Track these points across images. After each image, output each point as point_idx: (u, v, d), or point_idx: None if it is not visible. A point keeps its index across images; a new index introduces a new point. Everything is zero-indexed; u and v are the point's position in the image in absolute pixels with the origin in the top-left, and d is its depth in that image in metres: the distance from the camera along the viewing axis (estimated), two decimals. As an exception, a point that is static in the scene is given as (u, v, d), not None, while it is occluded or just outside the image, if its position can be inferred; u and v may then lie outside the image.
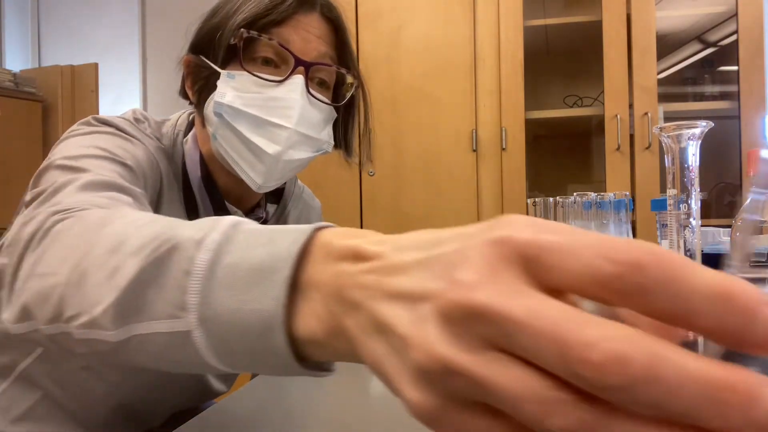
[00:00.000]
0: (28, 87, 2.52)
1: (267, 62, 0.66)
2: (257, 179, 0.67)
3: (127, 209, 0.40)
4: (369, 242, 0.25)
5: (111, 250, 0.33)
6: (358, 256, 0.25)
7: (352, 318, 0.24)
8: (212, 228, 0.30)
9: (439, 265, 0.21)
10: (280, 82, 0.65)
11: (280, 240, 0.28)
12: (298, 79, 0.65)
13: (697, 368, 0.16)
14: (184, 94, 0.73)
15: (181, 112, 0.74)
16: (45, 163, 0.56)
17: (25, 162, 2.41)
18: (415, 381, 0.21)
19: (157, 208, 0.67)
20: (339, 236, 0.27)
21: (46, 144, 2.53)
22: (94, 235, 0.36)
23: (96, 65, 2.64)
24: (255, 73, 0.65)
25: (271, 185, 0.69)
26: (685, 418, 0.16)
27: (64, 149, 0.57)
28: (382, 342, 0.22)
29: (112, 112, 0.69)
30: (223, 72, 0.66)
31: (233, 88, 0.65)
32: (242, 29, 0.64)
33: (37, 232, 0.41)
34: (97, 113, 0.66)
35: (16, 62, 2.91)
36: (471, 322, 0.19)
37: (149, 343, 0.30)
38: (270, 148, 0.65)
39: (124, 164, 0.58)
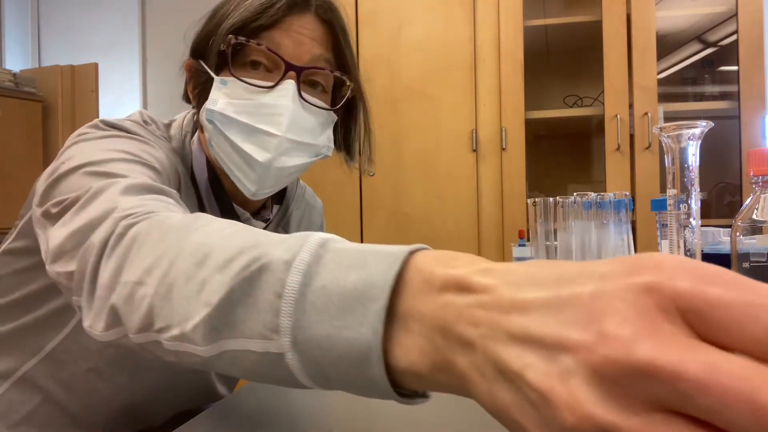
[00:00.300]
0: (28, 87, 2.52)
1: (258, 66, 0.65)
2: (250, 187, 0.66)
3: (205, 216, 0.40)
4: (474, 272, 0.24)
5: (197, 263, 0.33)
6: (463, 287, 0.23)
7: (465, 357, 0.23)
8: (300, 247, 0.29)
9: (575, 310, 0.19)
10: (271, 88, 0.63)
11: (372, 263, 0.27)
12: (289, 85, 0.63)
13: None
14: (187, 99, 0.72)
15: (186, 112, 0.74)
16: (61, 168, 0.54)
17: (25, 162, 2.41)
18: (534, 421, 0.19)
19: None
20: (437, 263, 0.26)
21: (46, 144, 2.53)
22: (177, 243, 0.36)
23: (96, 65, 2.64)
24: (244, 79, 0.63)
25: (266, 192, 0.68)
26: None
27: (79, 154, 0.55)
28: (510, 390, 0.20)
29: (112, 112, 0.69)
30: (216, 78, 0.65)
31: (225, 95, 0.64)
32: (230, 35, 0.62)
33: (109, 239, 0.41)
34: (97, 113, 0.65)
35: (16, 62, 2.91)
36: (632, 381, 0.17)
37: (241, 359, 0.30)
38: (260, 155, 0.63)
39: (152, 167, 0.57)
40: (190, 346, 0.32)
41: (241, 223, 0.37)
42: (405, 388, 0.27)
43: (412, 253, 0.27)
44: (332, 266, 0.28)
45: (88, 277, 0.41)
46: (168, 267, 0.35)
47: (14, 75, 2.50)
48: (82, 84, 2.63)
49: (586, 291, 0.19)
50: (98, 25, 2.89)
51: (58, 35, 2.95)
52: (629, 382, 0.17)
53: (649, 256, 0.19)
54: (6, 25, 2.93)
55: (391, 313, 0.26)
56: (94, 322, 0.40)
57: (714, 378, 0.16)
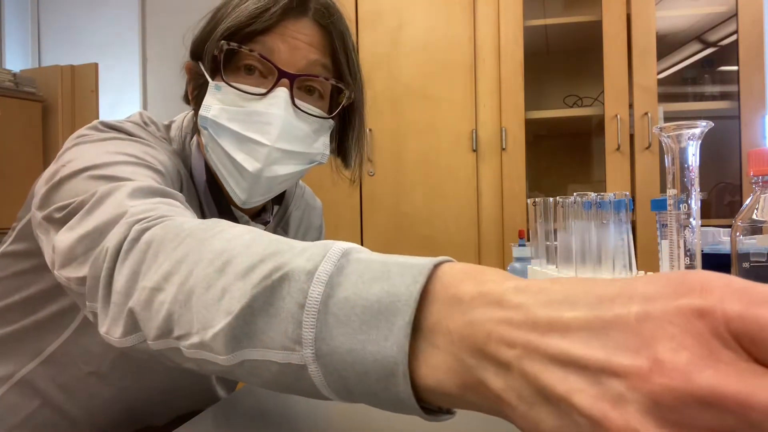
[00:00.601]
0: (28, 87, 2.52)
1: (253, 71, 0.63)
2: (241, 195, 0.65)
3: (224, 222, 0.40)
4: (507, 289, 0.23)
5: (217, 270, 0.33)
6: (494, 304, 0.23)
7: (500, 378, 0.22)
8: (323, 257, 0.29)
9: (622, 333, 0.19)
10: (263, 95, 0.62)
11: (396, 275, 0.26)
12: (281, 93, 0.62)
13: None
14: (187, 100, 0.71)
15: (185, 113, 0.73)
16: (62, 171, 0.53)
17: (24, 162, 2.41)
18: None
19: None
20: (465, 277, 0.25)
21: (46, 144, 2.53)
22: (196, 249, 0.36)
23: (96, 65, 2.64)
24: (236, 86, 0.62)
25: (257, 201, 0.67)
26: None
27: (80, 157, 0.54)
28: (554, 414, 0.20)
29: (112, 112, 0.69)
30: (211, 83, 0.64)
31: (219, 101, 0.63)
32: (223, 41, 0.61)
33: (123, 243, 0.40)
34: (97, 113, 0.65)
35: (16, 62, 2.90)
36: (693, 410, 0.16)
37: (261, 369, 0.30)
38: (250, 165, 0.62)
39: (156, 169, 0.57)
40: (210, 354, 0.32)
41: (260, 230, 0.37)
42: (431, 403, 0.26)
43: (437, 265, 0.26)
44: (355, 278, 0.28)
45: (103, 282, 0.40)
46: (187, 273, 0.35)
47: (14, 75, 2.50)
48: (82, 84, 2.63)
49: (631, 313, 0.19)
50: (98, 25, 2.89)
51: (58, 35, 2.95)
52: (690, 411, 0.17)
53: (694, 275, 0.18)
54: (6, 25, 2.93)
55: (417, 328, 0.25)
56: (110, 328, 0.40)
57: None
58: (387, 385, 0.25)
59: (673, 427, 0.17)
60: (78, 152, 0.56)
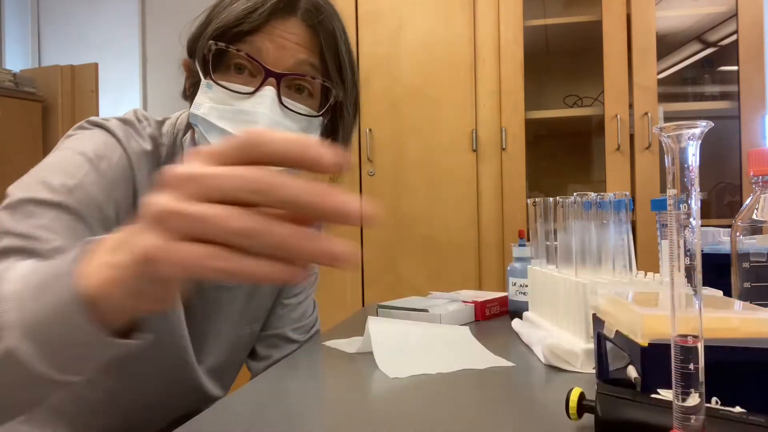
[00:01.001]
0: (28, 87, 2.52)
1: (243, 70, 0.64)
2: None
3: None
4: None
5: None
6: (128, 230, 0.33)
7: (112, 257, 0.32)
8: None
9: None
10: (250, 94, 0.63)
11: (68, 256, 0.35)
12: (268, 92, 0.63)
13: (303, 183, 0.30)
14: (185, 96, 0.72)
15: (182, 111, 0.74)
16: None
17: (25, 162, 2.40)
18: (143, 232, 0.30)
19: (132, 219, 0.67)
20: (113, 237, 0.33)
21: (46, 144, 2.53)
22: None
23: (96, 65, 2.65)
24: (225, 85, 0.63)
25: None
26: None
27: (44, 163, 0.61)
28: (118, 242, 0.32)
29: (112, 112, 0.69)
30: (203, 81, 0.64)
31: (210, 99, 0.64)
32: (211, 41, 0.62)
33: None
34: (97, 113, 0.66)
35: (16, 62, 2.91)
36: (173, 219, 0.28)
37: None
38: None
39: (59, 205, 0.57)
40: None
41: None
42: (109, 324, 0.33)
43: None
44: (33, 274, 0.36)
45: None
46: None
47: (14, 75, 2.50)
48: (82, 84, 2.63)
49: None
50: (98, 25, 2.89)
51: (58, 35, 2.95)
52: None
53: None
54: (6, 25, 2.93)
55: (82, 269, 0.33)
56: None
57: (222, 218, 0.28)
58: (71, 315, 0.33)
59: (165, 230, 0.29)
60: (42, 164, 0.62)
